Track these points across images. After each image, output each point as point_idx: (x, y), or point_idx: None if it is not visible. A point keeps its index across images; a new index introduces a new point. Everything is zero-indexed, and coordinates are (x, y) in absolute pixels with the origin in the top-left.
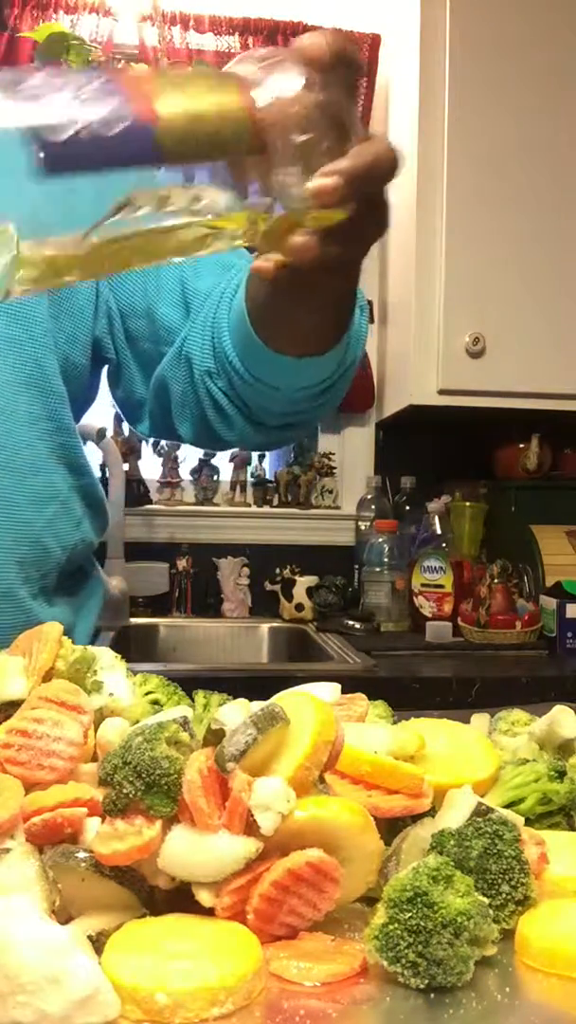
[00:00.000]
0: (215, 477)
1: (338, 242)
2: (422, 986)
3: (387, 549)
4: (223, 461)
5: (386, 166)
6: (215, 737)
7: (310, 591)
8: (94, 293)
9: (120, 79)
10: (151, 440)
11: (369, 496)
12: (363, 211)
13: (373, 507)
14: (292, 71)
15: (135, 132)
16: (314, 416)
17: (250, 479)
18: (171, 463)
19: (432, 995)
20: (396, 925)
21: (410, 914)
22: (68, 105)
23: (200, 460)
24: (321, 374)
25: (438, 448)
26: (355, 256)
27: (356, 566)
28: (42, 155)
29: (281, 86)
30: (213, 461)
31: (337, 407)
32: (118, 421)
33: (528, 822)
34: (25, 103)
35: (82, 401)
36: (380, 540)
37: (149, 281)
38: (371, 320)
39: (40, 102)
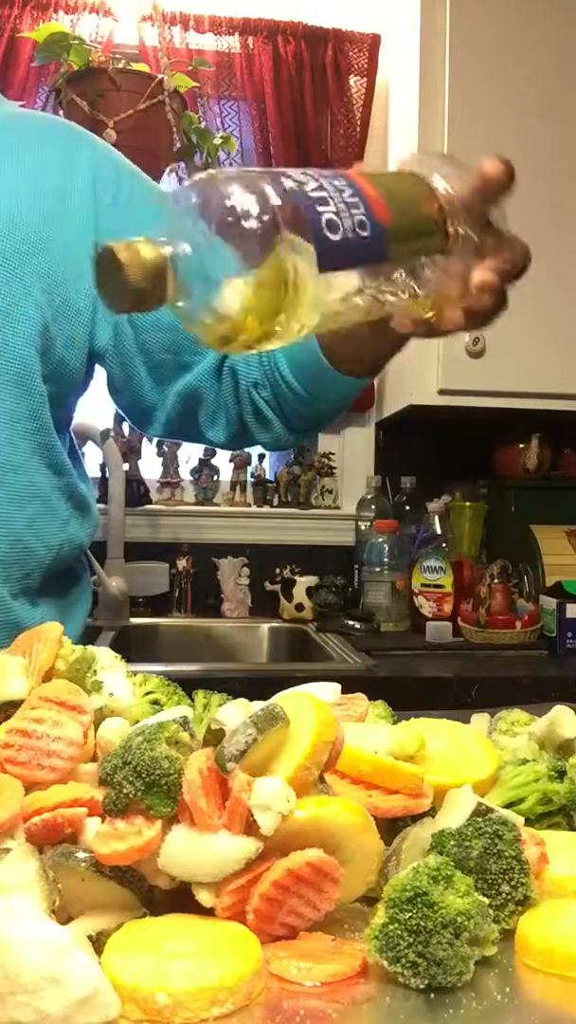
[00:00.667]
0: (215, 477)
1: (473, 322)
2: (422, 986)
3: (387, 549)
4: (223, 461)
5: (525, 267)
6: (215, 737)
7: (310, 591)
8: (92, 298)
9: (359, 183)
10: (153, 440)
11: (369, 496)
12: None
13: (373, 507)
14: (468, 184)
15: (375, 238)
16: (334, 419)
17: (250, 479)
18: (171, 463)
19: (432, 995)
20: (396, 925)
21: (410, 914)
22: (333, 205)
23: (200, 460)
24: (360, 387)
25: (438, 448)
26: (476, 328)
27: (356, 566)
28: (320, 255)
29: (462, 202)
30: (213, 461)
31: None
32: (117, 421)
33: (528, 822)
34: (303, 198)
35: (65, 401)
36: (380, 540)
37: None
38: None
39: (311, 197)
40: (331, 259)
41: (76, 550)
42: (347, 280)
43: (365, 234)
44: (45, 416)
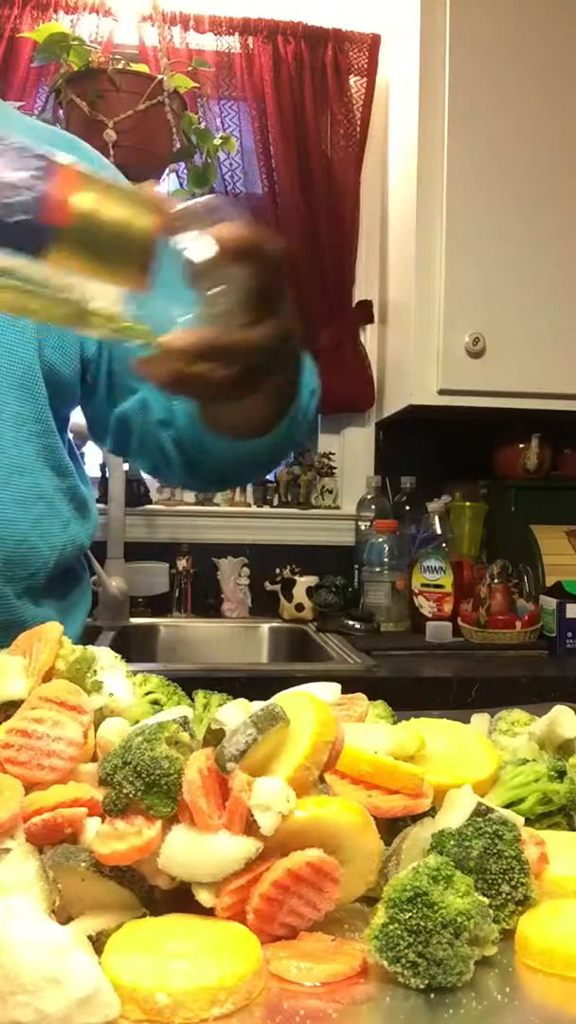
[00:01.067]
0: None
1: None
2: (422, 986)
3: (387, 549)
4: None
5: (238, 356)
6: (215, 737)
7: (310, 591)
8: None
9: (60, 177)
10: None
11: (369, 496)
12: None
13: (373, 507)
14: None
15: (36, 227)
16: (249, 479)
17: None
18: None
19: (432, 995)
20: (396, 925)
21: (410, 914)
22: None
23: None
24: (257, 450)
25: (438, 448)
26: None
27: (356, 566)
28: None
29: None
30: None
31: (337, 407)
32: None
33: (528, 822)
34: None
35: (65, 404)
36: (380, 540)
37: None
38: (371, 320)
39: None
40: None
41: (77, 550)
42: None
43: (24, 219)
44: (49, 418)
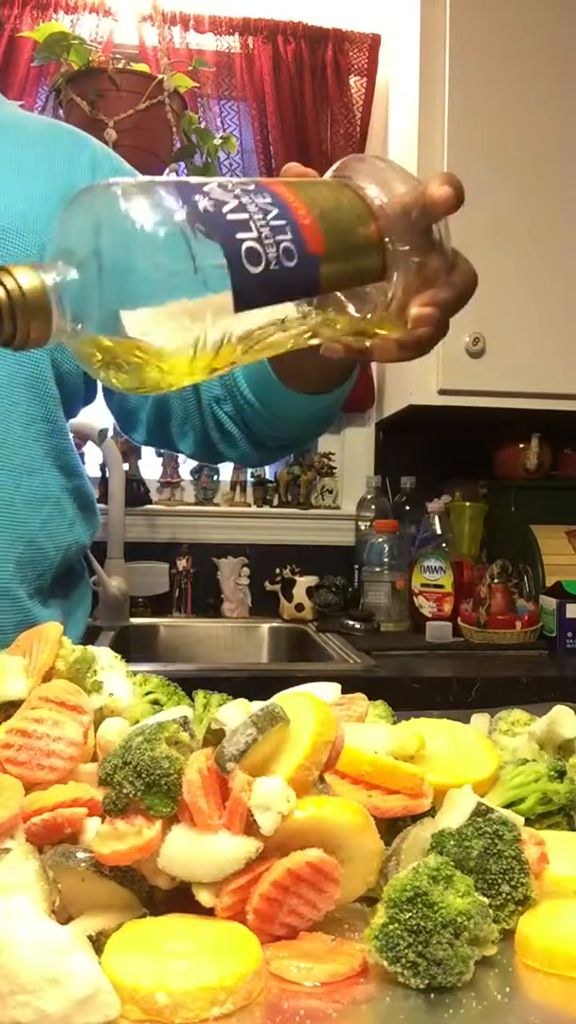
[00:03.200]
0: (215, 477)
1: (409, 352)
2: (422, 986)
3: (387, 549)
4: None
5: (470, 294)
6: (215, 737)
7: (310, 591)
8: None
9: (288, 200)
10: None
11: (369, 496)
12: (438, 331)
13: (373, 507)
14: (410, 196)
15: (304, 269)
16: (309, 438)
17: (250, 479)
18: (171, 463)
19: (432, 995)
20: (396, 925)
21: (410, 914)
22: (255, 231)
23: None
24: (324, 406)
25: (438, 448)
26: (413, 358)
27: (356, 566)
28: (237, 292)
29: (402, 217)
30: None
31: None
32: None
33: (528, 822)
34: (221, 221)
35: (73, 405)
36: (380, 540)
37: None
38: None
39: (229, 221)
40: (250, 296)
41: (80, 550)
42: (269, 311)
43: (292, 264)
44: (58, 418)
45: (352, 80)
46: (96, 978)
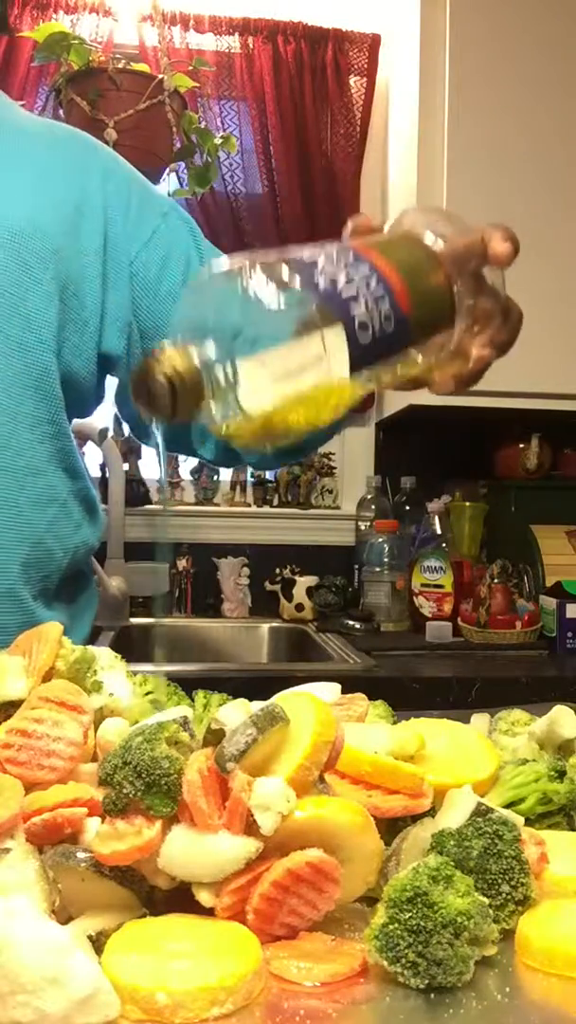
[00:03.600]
0: (215, 477)
1: (463, 387)
2: (422, 986)
3: (387, 549)
4: None
5: (516, 338)
6: (215, 737)
7: (310, 591)
8: (99, 309)
9: (381, 267)
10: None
11: (369, 496)
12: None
13: (373, 507)
14: (467, 245)
15: (400, 329)
16: (324, 442)
17: (250, 479)
18: (171, 463)
19: (432, 995)
20: (396, 925)
21: (410, 914)
22: (363, 304)
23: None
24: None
25: (438, 448)
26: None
27: (356, 566)
28: (352, 362)
29: (461, 265)
30: None
31: None
32: (118, 422)
33: (528, 822)
34: (338, 299)
35: (78, 408)
36: (380, 540)
37: (174, 308)
38: None
39: (344, 299)
40: (360, 363)
41: (87, 552)
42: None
43: (391, 329)
44: (63, 421)
45: (352, 80)
46: (96, 978)
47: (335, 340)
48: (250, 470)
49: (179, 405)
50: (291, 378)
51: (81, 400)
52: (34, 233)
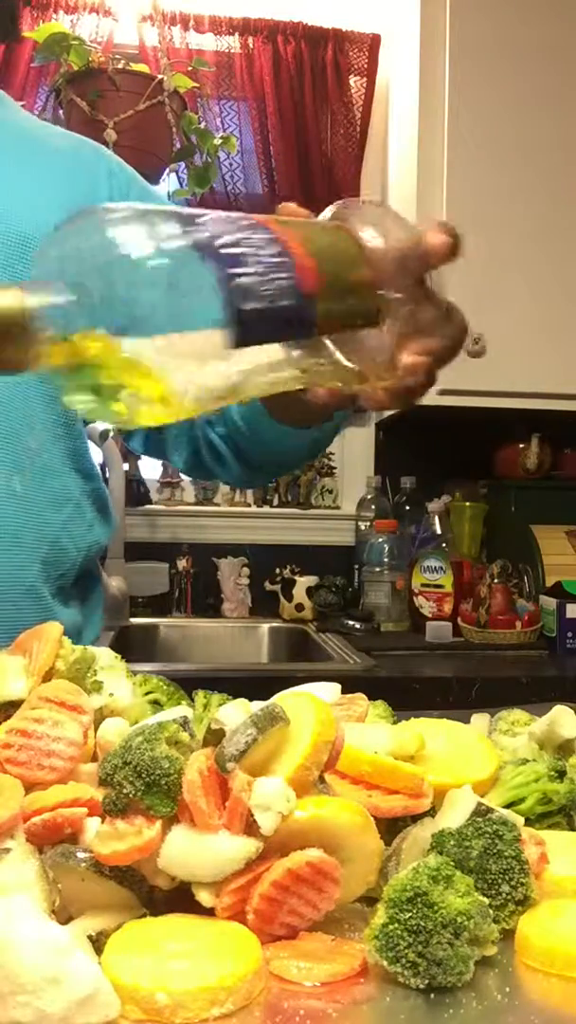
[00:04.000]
0: None
1: (398, 401)
2: (422, 986)
3: (387, 549)
4: None
5: (461, 345)
6: (215, 737)
7: (310, 591)
8: None
9: (284, 239)
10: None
11: (369, 496)
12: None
13: (373, 507)
14: (406, 244)
15: (301, 309)
16: (297, 466)
17: None
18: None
19: (432, 995)
20: (396, 925)
21: (410, 914)
22: (253, 267)
23: None
24: (311, 439)
25: (438, 448)
26: (400, 408)
27: (356, 566)
28: (235, 330)
29: (397, 265)
30: None
31: None
32: None
33: (528, 822)
34: (217, 255)
35: None
36: (380, 540)
37: None
38: None
39: (225, 255)
40: (245, 334)
41: (99, 551)
42: (261, 351)
43: (288, 303)
44: (75, 421)
45: (352, 80)
46: (96, 978)
47: (207, 299)
48: None
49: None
50: (143, 335)
51: None
52: (42, 236)
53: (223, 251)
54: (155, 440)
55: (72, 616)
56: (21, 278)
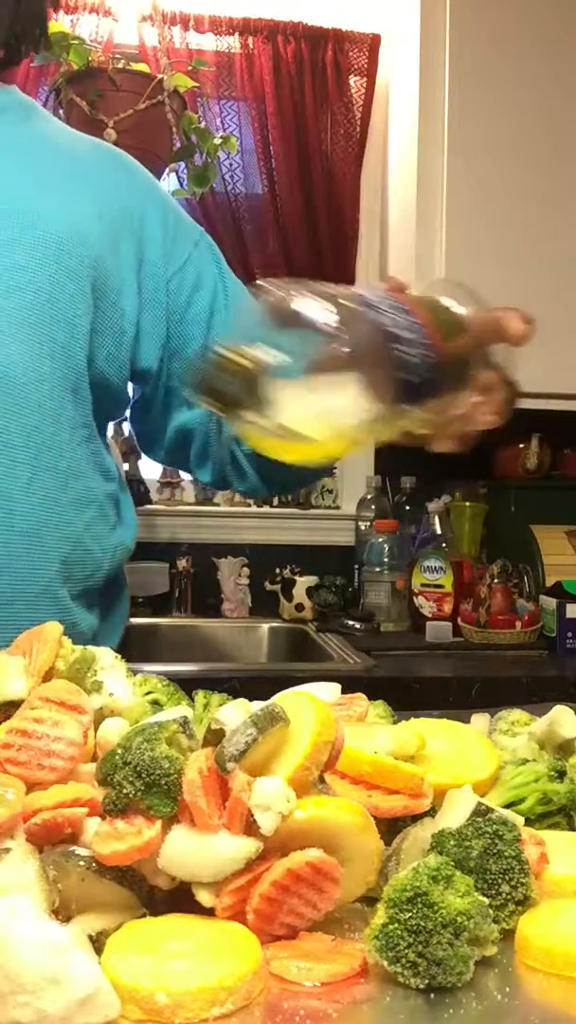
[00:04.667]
0: None
1: (459, 447)
2: (422, 986)
3: (387, 549)
4: None
5: (512, 406)
6: (215, 737)
7: (310, 591)
8: (135, 322)
9: (418, 314)
10: None
11: (369, 496)
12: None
13: (373, 507)
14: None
15: (433, 374)
16: (316, 480)
17: None
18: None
19: (432, 995)
20: (396, 925)
21: (410, 914)
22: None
23: None
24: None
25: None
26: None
27: (356, 566)
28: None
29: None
30: None
31: None
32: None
33: (528, 822)
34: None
35: (108, 415)
36: (380, 540)
37: (199, 332)
38: None
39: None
40: (398, 395)
41: (125, 554)
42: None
43: (426, 375)
44: (92, 424)
45: (352, 80)
46: (96, 978)
47: (374, 380)
48: None
49: (246, 399)
50: (330, 411)
51: (111, 406)
52: (77, 240)
53: (387, 328)
54: (176, 454)
55: (91, 622)
56: (56, 280)
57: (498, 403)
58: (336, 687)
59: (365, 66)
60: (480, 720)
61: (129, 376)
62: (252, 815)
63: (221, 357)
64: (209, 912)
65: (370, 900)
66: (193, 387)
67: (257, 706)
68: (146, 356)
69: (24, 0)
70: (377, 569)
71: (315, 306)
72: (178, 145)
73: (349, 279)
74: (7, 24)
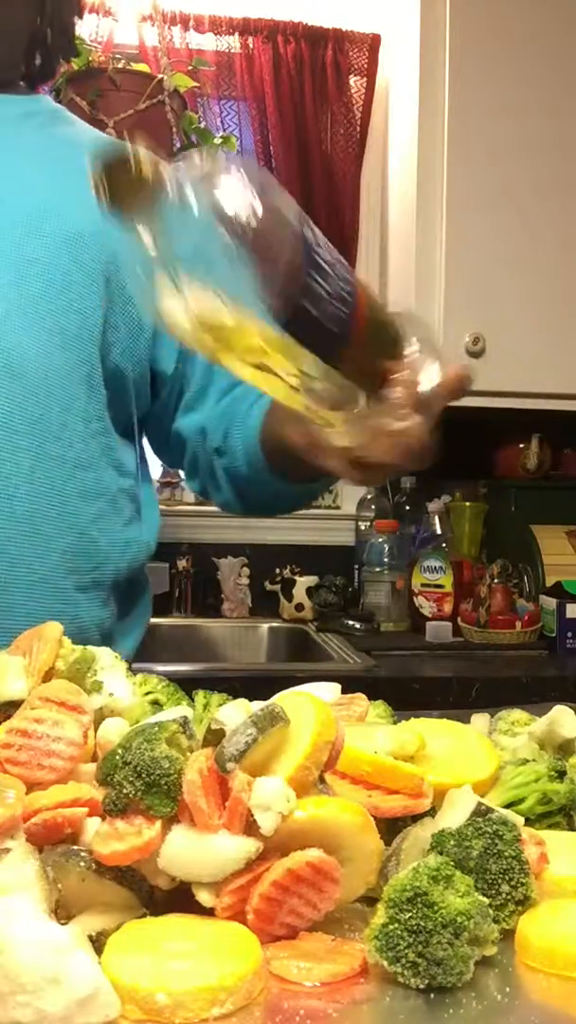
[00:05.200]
0: None
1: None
2: (422, 986)
3: (387, 549)
4: None
5: (413, 452)
6: (215, 737)
7: (310, 591)
8: (152, 322)
9: (362, 293)
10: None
11: (369, 496)
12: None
13: (373, 507)
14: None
15: (340, 332)
16: (289, 511)
17: None
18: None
19: (432, 995)
20: (396, 925)
21: (410, 914)
22: (324, 282)
23: None
24: (312, 490)
25: (438, 448)
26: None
27: (356, 566)
28: (284, 310)
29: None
30: None
31: None
32: None
33: (528, 822)
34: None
35: (120, 407)
36: (380, 540)
37: None
38: None
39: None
40: (295, 323)
41: (143, 551)
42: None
43: (335, 327)
44: (107, 417)
45: (352, 80)
46: (96, 978)
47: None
48: None
49: (133, 200)
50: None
51: (126, 401)
52: (93, 234)
53: (317, 258)
54: (176, 460)
55: (99, 617)
56: (73, 273)
57: (416, 430)
58: (336, 687)
59: (365, 66)
60: (480, 720)
61: (149, 374)
62: (252, 815)
63: (131, 156)
64: (209, 912)
65: (370, 900)
66: (95, 166)
67: (257, 706)
68: (164, 358)
69: (55, 15)
70: (377, 569)
71: (240, 195)
72: (178, 145)
73: None
74: (42, 40)
